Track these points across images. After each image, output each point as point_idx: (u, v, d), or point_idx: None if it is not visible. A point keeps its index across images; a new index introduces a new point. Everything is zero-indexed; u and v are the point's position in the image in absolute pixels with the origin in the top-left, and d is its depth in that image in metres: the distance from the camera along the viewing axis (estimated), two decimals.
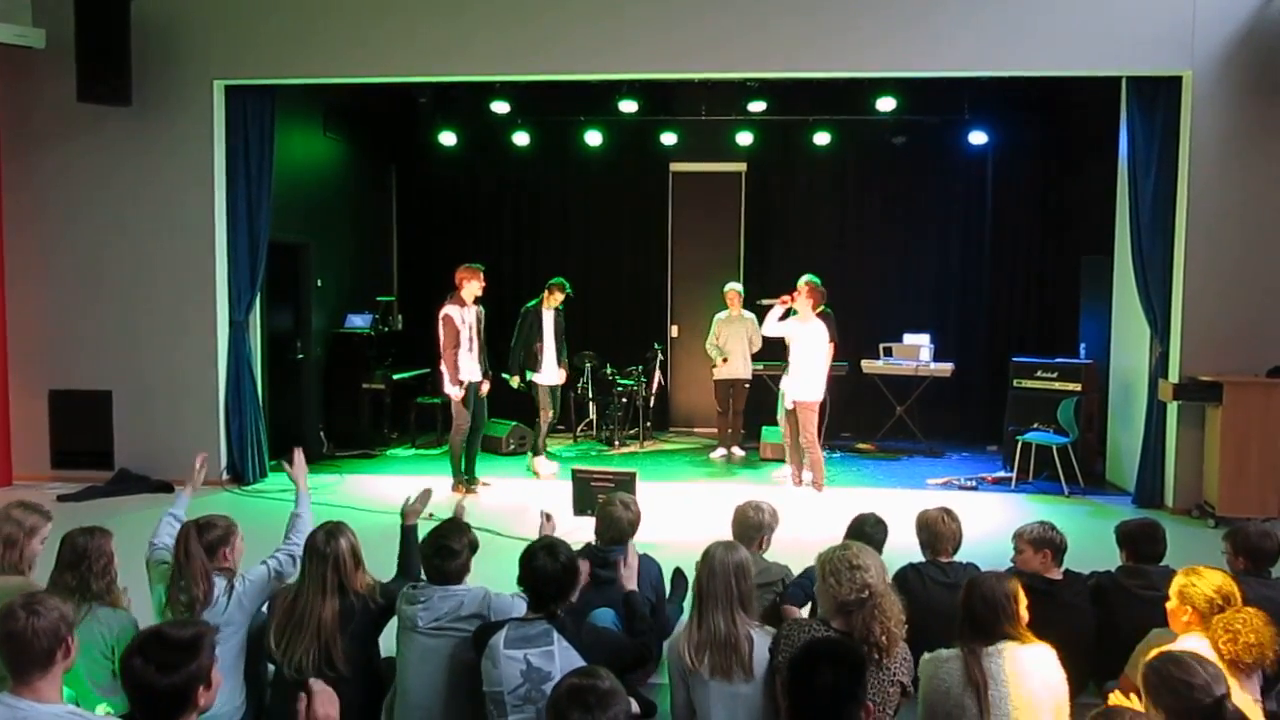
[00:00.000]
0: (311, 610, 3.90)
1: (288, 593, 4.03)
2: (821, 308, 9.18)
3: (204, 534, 4.09)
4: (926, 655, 3.61)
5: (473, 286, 8.75)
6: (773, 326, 8.85)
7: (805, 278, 8.85)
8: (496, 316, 11.37)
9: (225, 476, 9.05)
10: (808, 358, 8.63)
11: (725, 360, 10.49)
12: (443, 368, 8.71)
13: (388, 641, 4.17)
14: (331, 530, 4.06)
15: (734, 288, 10.57)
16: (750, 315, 10.51)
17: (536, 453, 9.81)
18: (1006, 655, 3.47)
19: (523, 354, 9.65)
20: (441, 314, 8.72)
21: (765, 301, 9.30)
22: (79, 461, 9.12)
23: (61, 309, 9.14)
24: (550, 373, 9.75)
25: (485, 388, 9.02)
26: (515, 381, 9.70)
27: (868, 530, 4.70)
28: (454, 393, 8.68)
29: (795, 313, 8.76)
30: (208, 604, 3.93)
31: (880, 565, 3.69)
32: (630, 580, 4.31)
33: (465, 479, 8.93)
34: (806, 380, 8.63)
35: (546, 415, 9.77)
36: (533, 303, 9.75)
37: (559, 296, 9.71)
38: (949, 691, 3.46)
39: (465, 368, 8.73)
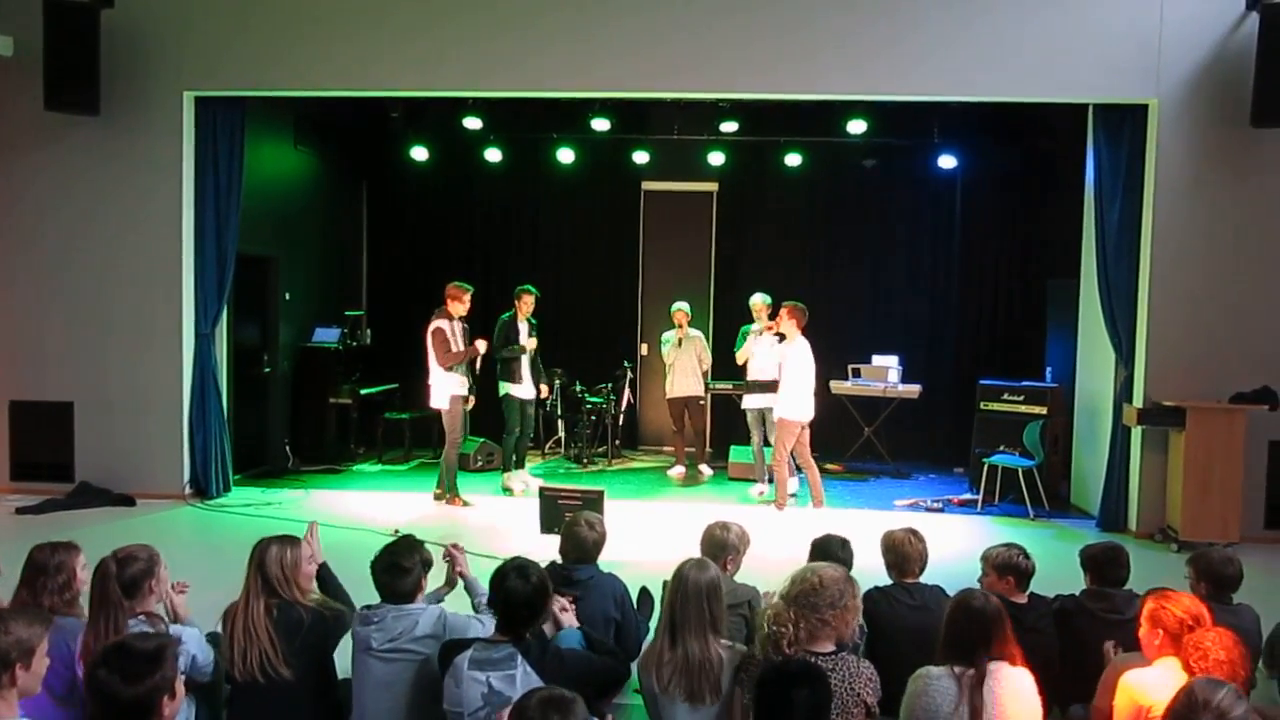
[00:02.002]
0: (243, 615, 3.87)
1: (234, 606, 3.99)
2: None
3: (124, 569, 3.82)
4: (916, 673, 3.54)
5: (458, 306, 8.93)
6: (769, 354, 8.95)
7: (758, 298, 9.34)
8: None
9: (188, 491, 8.94)
10: (794, 377, 8.64)
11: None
12: (435, 383, 8.87)
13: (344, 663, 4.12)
14: (270, 540, 4.06)
15: (681, 307, 10.57)
16: (696, 333, 10.59)
17: (508, 468, 9.77)
18: (999, 676, 3.45)
19: (497, 364, 9.62)
20: (431, 328, 8.83)
21: (755, 327, 9.46)
22: (39, 473, 8.98)
23: (24, 319, 9.01)
24: (527, 386, 9.72)
25: (471, 403, 9.21)
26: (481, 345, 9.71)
27: (835, 553, 4.69)
28: (480, 346, 9.00)
29: (784, 337, 8.81)
30: None
31: (796, 575, 3.68)
32: (571, 621, 4.27)
33: (453, 492, 8.98)
34: (793, 399, 8.63)
35: (513, 430, 9.71)
36: (506, 314, 9.72)
37: (530, 302, 9.67)
38: (938, 711, 3.42)
39: (452, 381, 8.82)
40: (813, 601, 3.53)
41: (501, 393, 9.64)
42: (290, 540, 4.10)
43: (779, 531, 7.84)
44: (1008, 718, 3.39)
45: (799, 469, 8.91)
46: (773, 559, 5.38)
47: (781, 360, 8.82)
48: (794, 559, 4.43)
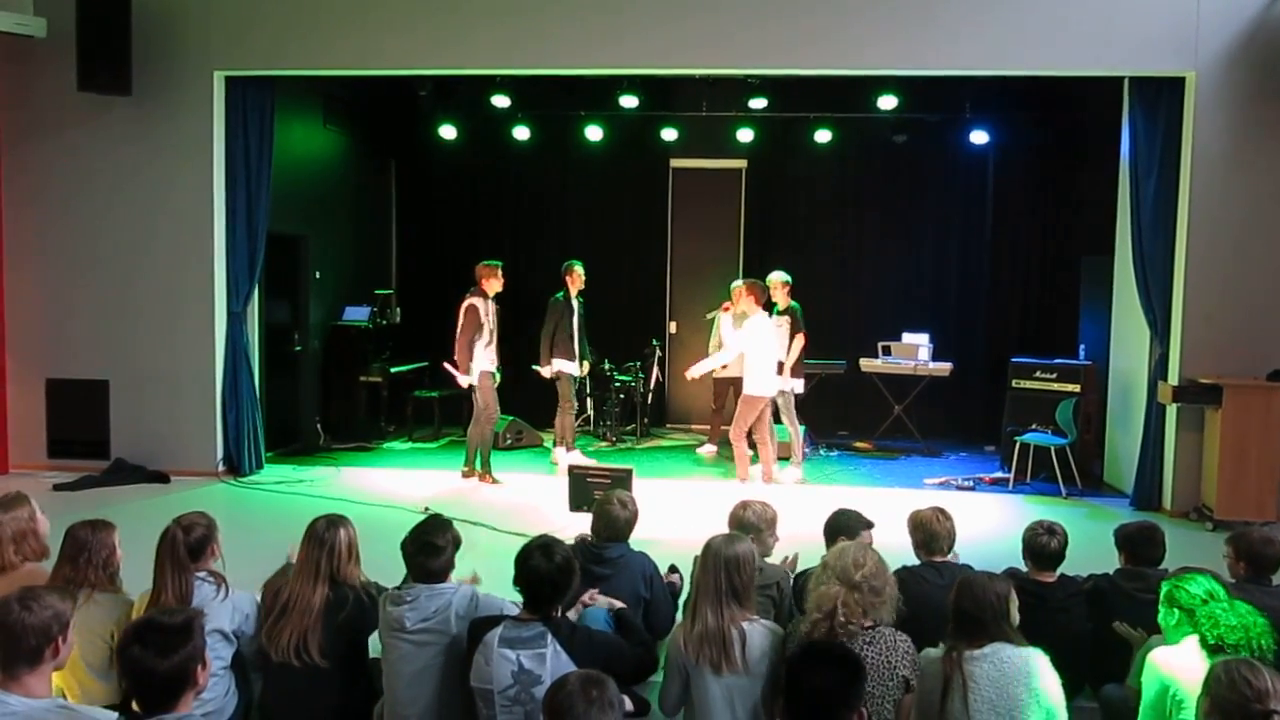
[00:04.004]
0: (298, 596, 3.91)
1: (280, 580, 4.03)
2: (790, 304, 9.32)
3: (189, 534, 4.03)
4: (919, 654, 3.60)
5: (492, 284, 8.95)
6: (730, 336, 8.89)
7: (774, 276, 9.31)
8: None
9: (221, 468, 9.03)
10: (754, 354, 8.70)
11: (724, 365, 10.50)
12: (456, 357, 8.87)
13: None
14: (334, 520, 4.09)
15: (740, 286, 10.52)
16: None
17: (560, 444, 9.79)
18: (994, 659, 3.45)
19: (551, 344, 9.63)
20: (466, 304, 8.84)
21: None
22: (75, 450, 9.10)
23: (59, 298, 9.12)
24: (576, 364, 9.77)
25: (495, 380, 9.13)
26: (546, 371, 9.73)
27: (848, 523, 4.69)
28: (463, 381, 8.88)
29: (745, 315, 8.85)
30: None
31: (854, 557, 3.67)
32: (600, 600, 4.30)
33: (485, 469, 9.01)
34: (755, 375, 8.71)
35: (571, 406, 9.78)
36: (560, 294, 9.68)
37: (580, 276, 9.68)
38: (931, 692, 3.46)
39: (483, 358, 8.87)
40: (874, 585, 3.60)
41: (552, 372, 9.68)
42: (345, 520, 4.14)
43: (807, 510, 7.81)
44: (1004, 699, 3.39)
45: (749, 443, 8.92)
46: (800, 535, 5.36)
47: (743, 337, 8.83)
48: (815, 536, 4.41)
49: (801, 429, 10.45)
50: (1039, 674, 3.46)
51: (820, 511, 4.90)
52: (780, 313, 9.36)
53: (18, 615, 2.98)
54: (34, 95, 8.98)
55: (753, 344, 8.68)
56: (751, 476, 8.83)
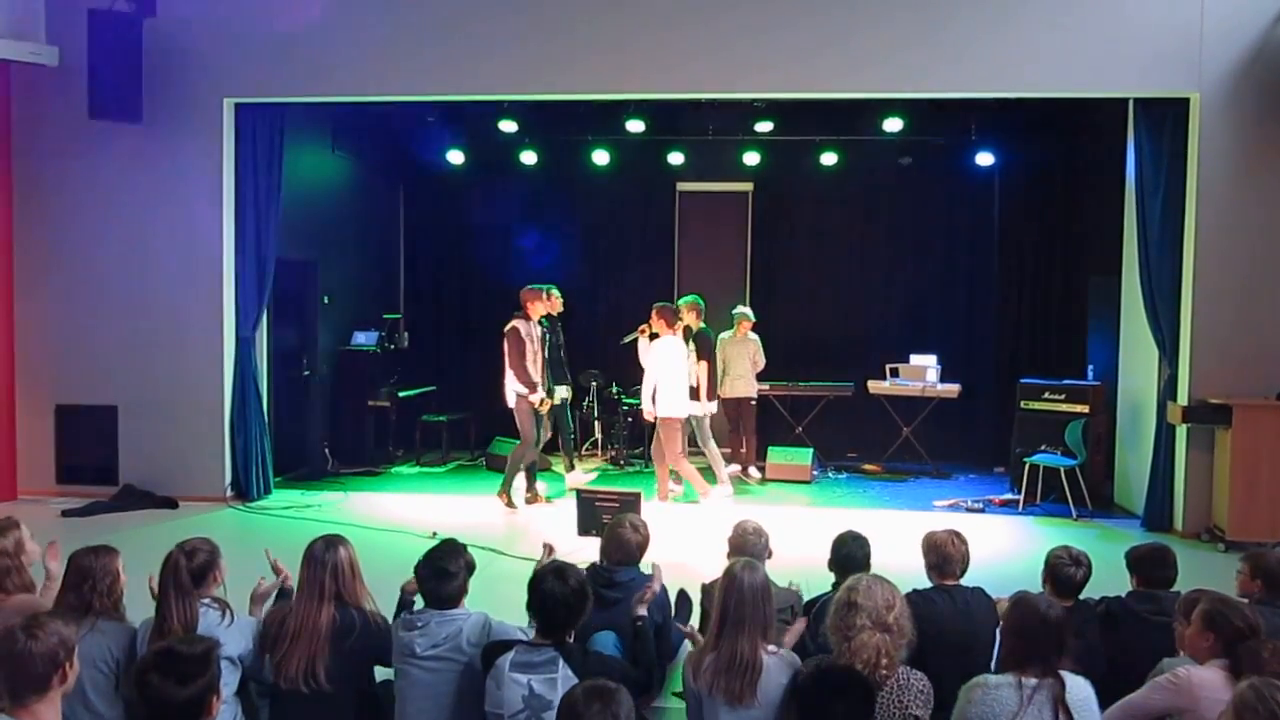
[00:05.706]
0: (305, 618, 3.87)
1: (284, 607, 4.01)
2: (701, 328, 9.61)
3: (191, 559, 3.98)
4: (970, 681, 3.46)
5: (537, 307, 8.97)
6: (647, 356, 9.11)
7: (684, 299, 9.63)
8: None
9: (229, 493, 9.04)
10: (664, 375, 8.86)
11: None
12: (508, 380, 8.85)
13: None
14: (331, 540, 4.06)
15: (745, 313, 10.54)
16: (754, 337, 10.52)
17: (570, 469, 9.76)
18: (1073, 686, 3.40)
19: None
20: (507, 328, 8.85)
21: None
22: (84, 476, 9.10)
23: (69, 324, 9.14)
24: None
25: (545, 404, 9.01)
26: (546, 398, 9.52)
27: (851, 551, 4.66)
28: (536, 399, 8.84)
29: (658, 336, 9.02)
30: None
31: (884, 597, 3.58)
32: (642, 607, 4.26)
33: (504, 489, 8.93)
34: (664, 396, 8.86)
35: (549, 434, 9.71)
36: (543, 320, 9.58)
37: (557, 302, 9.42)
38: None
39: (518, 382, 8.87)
40: (902, 625, 3.53)
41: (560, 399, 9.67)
42: (343, 539, 4.12)
43: (805, 532, 7.79)
44: None
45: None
46: (798, 556, 5.34)
47: (654, 360, 8.96)
48: (813, 559, 4.36)
49: (810, 451, 10.49)
50: (1094, 702, 3.43)
51: (828, 534, 4.87)
52: (694, 337, 9.50)
53: (24, 643, 2.98)
54: (46, 123, 9.04)
55: (661, 366, 8.86)
56: (712, 489, 9.08)
